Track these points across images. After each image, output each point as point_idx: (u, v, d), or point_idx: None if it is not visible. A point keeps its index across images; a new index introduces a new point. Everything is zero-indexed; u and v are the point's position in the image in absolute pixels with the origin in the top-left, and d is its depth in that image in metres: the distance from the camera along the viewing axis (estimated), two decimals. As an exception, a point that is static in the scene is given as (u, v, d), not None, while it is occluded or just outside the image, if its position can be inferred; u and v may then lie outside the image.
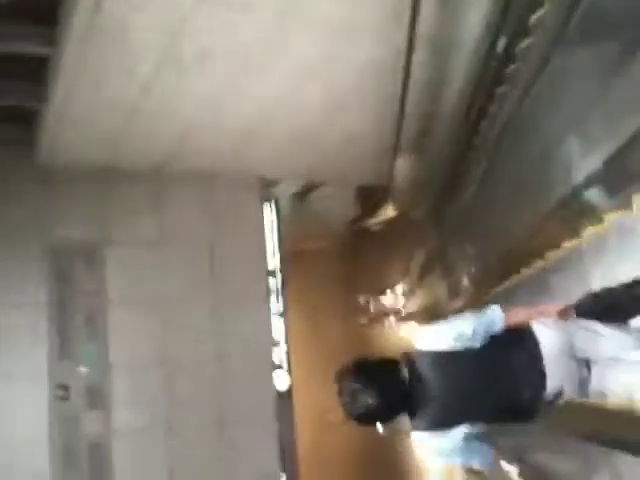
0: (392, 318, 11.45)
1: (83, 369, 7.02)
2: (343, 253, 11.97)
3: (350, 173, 8.26)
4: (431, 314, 9.17)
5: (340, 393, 2.14)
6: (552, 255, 4.75)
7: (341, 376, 2.18)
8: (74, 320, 7.09)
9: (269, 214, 8.70)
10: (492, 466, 2.31)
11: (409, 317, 10.84)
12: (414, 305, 10.47)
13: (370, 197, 9.51)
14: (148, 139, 6.55)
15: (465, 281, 7.93)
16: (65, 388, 6.87)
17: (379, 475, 10.73)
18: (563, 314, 2.33)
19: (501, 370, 2.18)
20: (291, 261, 9.01)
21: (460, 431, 2.13)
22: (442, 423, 2.13)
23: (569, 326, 2.30)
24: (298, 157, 7.61)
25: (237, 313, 7.71)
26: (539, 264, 5.03)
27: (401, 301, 10.92)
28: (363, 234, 10.78)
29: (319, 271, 11.58)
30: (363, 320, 11.92)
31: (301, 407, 8.71)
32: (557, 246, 4.60)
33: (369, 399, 2.07)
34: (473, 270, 7.60)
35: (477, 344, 2.15)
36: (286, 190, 9.14)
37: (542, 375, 2.17)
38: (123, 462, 6.93)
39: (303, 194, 9.70)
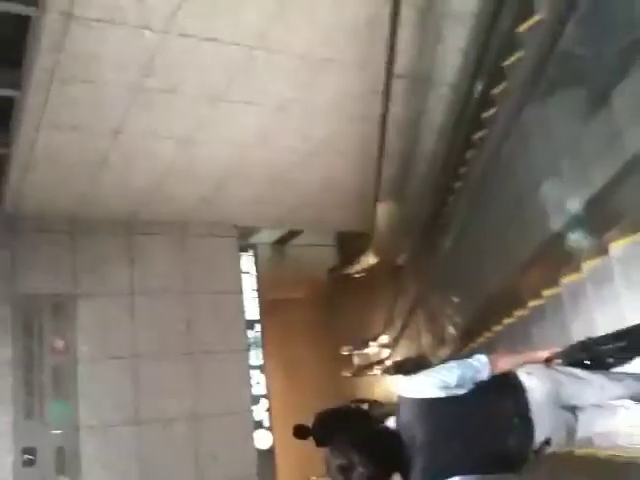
0: (377, 369, 11.14)
1: (51, 430, 6.60)
2: (324, 301, 11.73)
3: (330, 219, 8.15)
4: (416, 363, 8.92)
5: (327, 464, 1.97)
6: (533, 303, 4.64)
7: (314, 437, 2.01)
8: (42, 378, 6.73)
9: (247, 263, 8.50)
10: None
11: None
12: (399, 355, 10.20)
13: (351, 244, 9.40)
14: (119, 185, 6.38)
15: (449, 329, 7.74)
16: (32, 451, 6.44)
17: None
18: (549, 361, 2.30)
19: (488, 419, 2.11)
20: (269, 310, 8.75)
21: None
22: (431, 475, 2.01)
23: (555, 373, 2.27)
24: (275, 204, 7.49)
25: (215, 368, 7.41)
26: (521, 312, 4.91)
27: (385, 351, 10.63)
28: (344, 282, 10.60)
29: (299, 320, 11.30)
30: (347, 373, 11.60)
31: (282, 466, 8.28)
32: (538, 294, 4.50)
33: (363, 468, 1.90)
34: (456, 319, 7.43)
35: (463, 392, 2.08)
36: (265, 238, 8.99)
37: (529, 423, 2.11)
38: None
39: (283, 242, 9.56)
